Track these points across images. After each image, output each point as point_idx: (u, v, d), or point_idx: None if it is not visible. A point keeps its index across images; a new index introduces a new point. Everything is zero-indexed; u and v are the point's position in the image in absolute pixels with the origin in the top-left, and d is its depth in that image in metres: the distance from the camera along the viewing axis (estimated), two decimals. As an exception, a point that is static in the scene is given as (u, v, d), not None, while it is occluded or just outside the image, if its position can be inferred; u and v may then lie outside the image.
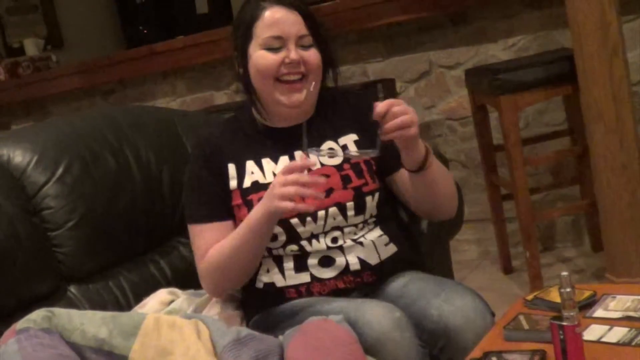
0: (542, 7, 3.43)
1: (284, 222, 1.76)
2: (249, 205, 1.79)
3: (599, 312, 1.60)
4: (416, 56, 3.69)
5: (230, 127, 1.93)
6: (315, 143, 1.82)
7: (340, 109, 1.94)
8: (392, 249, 1.85)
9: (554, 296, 1.66)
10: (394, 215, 1.94)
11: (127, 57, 4.34)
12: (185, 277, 2.06)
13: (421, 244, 2.02)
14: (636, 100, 3.01)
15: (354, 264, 1.79)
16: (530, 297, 1.73)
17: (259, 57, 1.81)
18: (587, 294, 1.66)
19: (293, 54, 1.78)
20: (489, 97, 3.09)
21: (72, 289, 1.93)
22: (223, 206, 1.84)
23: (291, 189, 1.61)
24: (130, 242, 2.07)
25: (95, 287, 1.95)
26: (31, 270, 1.84)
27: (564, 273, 1.40)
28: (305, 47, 1.81)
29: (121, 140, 2.14)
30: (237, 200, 1.82)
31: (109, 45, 6.36)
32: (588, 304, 1.63)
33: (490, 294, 1.70)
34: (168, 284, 2.03)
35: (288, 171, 1.63)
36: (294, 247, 1.79)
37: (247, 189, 1.81)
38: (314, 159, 1.74)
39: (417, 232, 2.04)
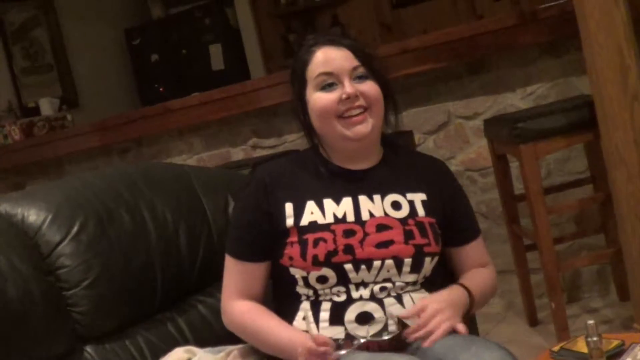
0: (560, 54, 3.42)
1: (338, 268, 1.73)
2: (304, 244, 1.76)
3: (628, 362, 1.56)
4: (434, 107, 3.67)
5: (295, 165, 1.91)
6: (380, 191, 1.83)
7: (407, 164, 1.92)
8: None
9: (581, 346, 1.64)
10: (441, 281, 1.89)
11: (143, 115, 4.34)
12: (204, 336, 2.03)
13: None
14: (659, 146, 2.96)
15: (392, 325, 1.73)
16: (556, 348, 1.70)
17: (316, 99, 1.80)
18: (615, 343, 1.64)
19: (348, 88, 1.77)
20: (509, 147, 3.06)
21: (89, 349, 1.87)
22: (261, 248, 1.84)
23: None
24: (147, 301, 2.02)
25: (112, 347, 1.90)
26: (46, 331, 1.79)
27: (590, 321, 1.37)
28: (361, 79, 1.79)
29: (137, 197, 2.10)
30: (293, 237, 1.79)
31: (125, 104, 6.40)
32: (616, 354, 1.61)
33: (516, 347, 1.66)
34: (186, 342, 1.98)
35: (313, 353, 1.62)
36: (342, 289, 1.75)
37: (305, 227, 1.78)
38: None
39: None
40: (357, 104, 1.77)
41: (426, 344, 1.64)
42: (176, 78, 6.45)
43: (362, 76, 1.79)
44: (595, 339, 1.33)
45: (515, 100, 3.53)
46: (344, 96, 1.76)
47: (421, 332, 1.65)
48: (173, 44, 6.53)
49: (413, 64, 3.55)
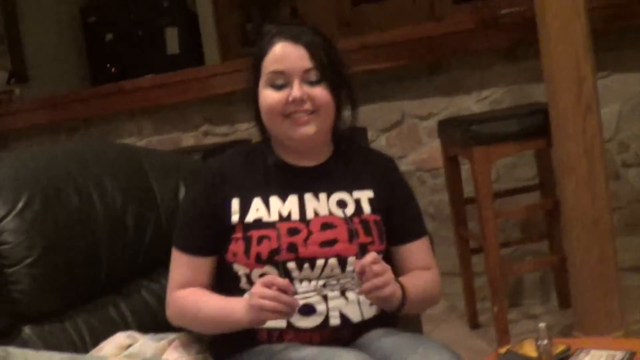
0: (517, 60, 3.45)
1: (281, 265, 1.73)
2: (248, 241, 1.75)
3: (573, 367, 1.58)
4: (389, 105, 3.68)
5: (245, 159, 1.89)
6: (326, 189, 1.82)
7: (356, 161, 1.91)
8: (375, 309, 1.80)
9: (528, 350, 1.66)
10: None
11: (94, 94, 4.29)
12: (147, 322, 1.99)
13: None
14: (608, 157, 3.01)
15: (334, 318, 1.74)
16: (503, 350, 1.71)
17: (265, 96, 1.79)
18: (561, 348, 1.67)
19: (296, 90, 1.75)
20: (461, 148, 3.07)
21: (27, 329, 1.82)
22: (209, 242, 1.82)
23: (268, 304, 1.61)
24: (91, 283, 1.98)
25: (52, 329, 1.85)
26: (-16, 308, 1.74)
27: (542, 324, 1.39)
28: (312, 83, 1.76)
29: (86, 176, 2.06)
30: (238, 234, 1.78)
31: (76, 82, 6.27)
32: (562, 359, 1.63)
33: (457, 349, 1.66)
34: (128, 327, 1.95)
35: (268, 284, 1.62)
36: None
37: (249, 224, 1.77)
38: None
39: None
40: (304, 107, 1.76)
41: (362, 289, 1.65)
42: (130, 59, 6.34)
43: (314, 80, 1.77)
44: (545, 342, 1.35)
45: (470, 103, 3.55)
46: (290, 99, 1.75)
47: (372, 283, 1.63)
48: (129, 24, 6.41)
49: (371, 60, 3.55)
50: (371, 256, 1.65)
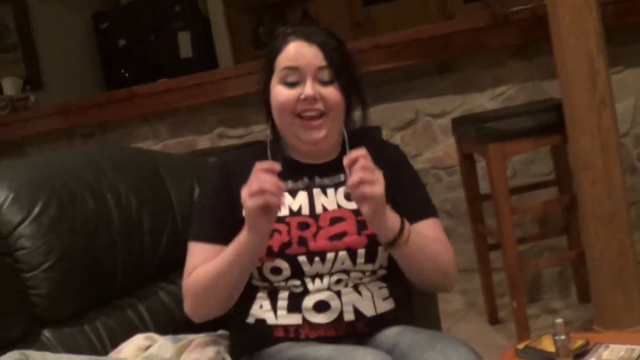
0: (530, 57, 3.43)
1: (291, 258, 1.73)
2: None
3: (592, 362, 1.57)
4: (402, 104, 3.67)
5: (257, 155, 1.86)
6: (334, 184, 1.83)
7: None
8: (389, 304, 1.80)
9: (546, 345, 1.65)
10: (401, 271, 1.86)
11: (108, 99, 4.28)
12: (165, 323, 2.00)
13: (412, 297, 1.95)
14: (624, 152, 2.99)
15: (349, 313, 1.74)
16: (521, 346, 1.71)
17: (277, 93, 1.80)
18: (579, 343, 1.66)
19: (308, 88, 1.75)
20: (476, 146, 3.06)
21: (46, 332, 1.83)
22: (226, 231, 1.79)
23: (252, 187, 1.58)
24: (108, 286, 1.99)
25: (71, 331, 1.86)
26: (3, 313, 1.75)
27: (559, 320, 1.38)
28: (325, 83, 1.77)
29: (101, 180, 2.07)
30: None
31: (89, 88, 6.30)
32: (581, 353, 1.62)
33: (477, 345, 1.65)
34: (146, 329, 1.96)
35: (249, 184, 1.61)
36: (297, 283, 1.75)
37: None
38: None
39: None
40: (315, 106, 1.77)
41: (349, 182, 1.59)
42: (143, 64, 6.36)
43: (327, 80, 1.78)
44: (562, 337, 1.34)
45: (484, 101, 3.54)
46: (302, 97, 1.76)
47: (358, 175, 1.58)
48: (141, 29, 6.43)
49: (383, 60, 3.54)
50: (360, 150, 1.61)
